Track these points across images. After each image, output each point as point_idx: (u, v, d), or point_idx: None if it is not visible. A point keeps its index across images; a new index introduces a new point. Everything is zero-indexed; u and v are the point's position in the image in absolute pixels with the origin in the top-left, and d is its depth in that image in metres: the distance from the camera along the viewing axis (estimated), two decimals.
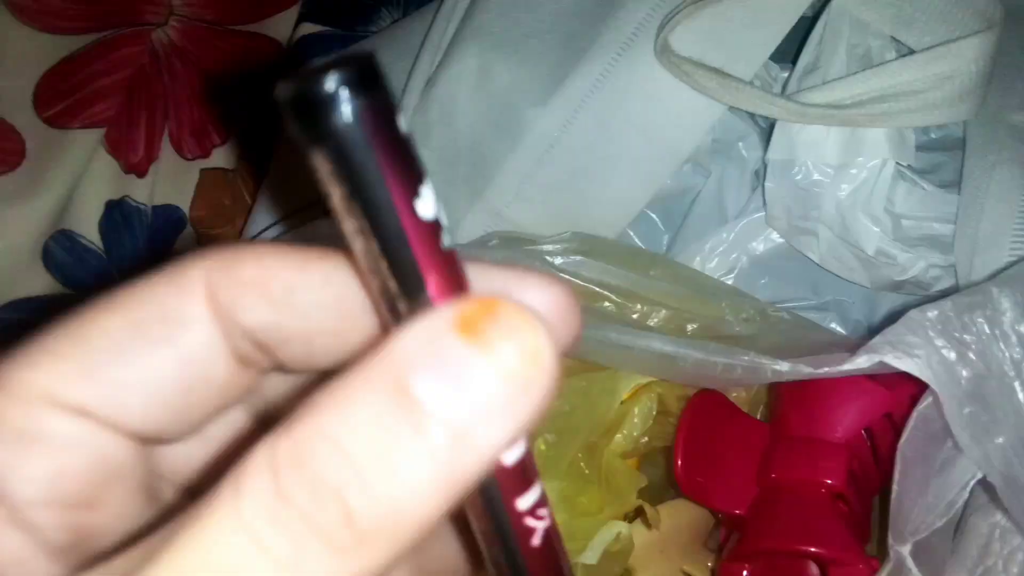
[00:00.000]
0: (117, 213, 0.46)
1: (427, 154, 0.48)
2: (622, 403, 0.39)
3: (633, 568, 0.37)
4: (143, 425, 0.16)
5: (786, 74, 0.46)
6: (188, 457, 0.18)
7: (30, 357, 0.15)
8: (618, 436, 0.38)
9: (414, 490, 0.12)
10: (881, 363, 0.31)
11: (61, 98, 0.43)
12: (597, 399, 0.37)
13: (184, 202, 0.49)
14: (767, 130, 0.46)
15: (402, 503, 0.12)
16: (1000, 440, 0.30)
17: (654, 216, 0.49)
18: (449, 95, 0.47)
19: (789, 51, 0.45)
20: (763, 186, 0.45)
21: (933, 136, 0.46)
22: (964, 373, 0.30)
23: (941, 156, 0.45)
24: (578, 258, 0.44)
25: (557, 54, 0.46)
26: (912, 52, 0.42)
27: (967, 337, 0.31)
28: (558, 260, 0.44)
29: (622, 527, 0.37)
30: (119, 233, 0.46)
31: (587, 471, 0.37)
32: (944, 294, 0.42)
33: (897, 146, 0.41)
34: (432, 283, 0.14)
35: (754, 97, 0.41)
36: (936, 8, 0.42)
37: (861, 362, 0.31)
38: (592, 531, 0.36)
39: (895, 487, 0.32)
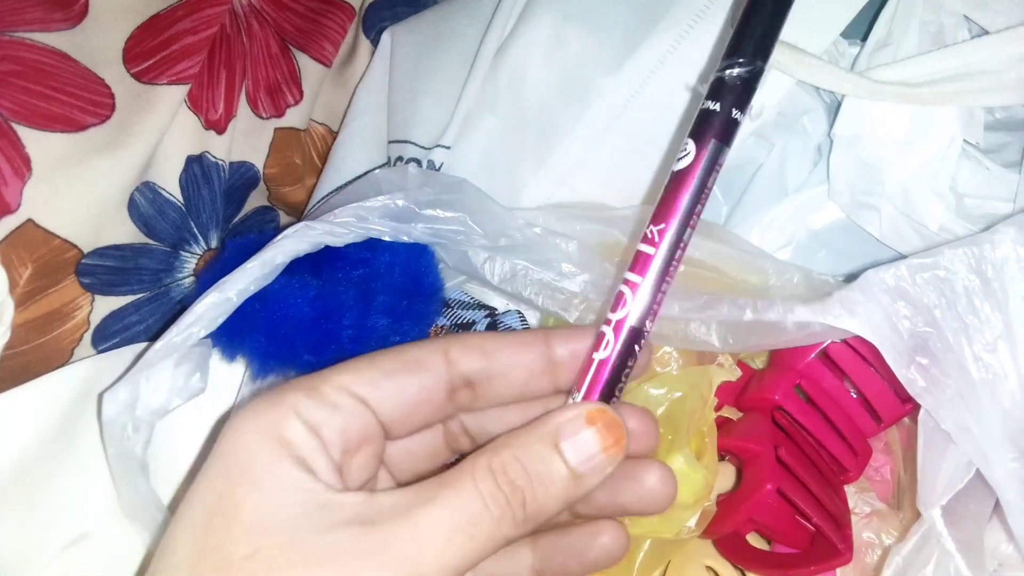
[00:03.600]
0: (196, 168, 0.47)
1: (495, 120, 0.49)
2: None
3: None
4: (389, 417, 0.28)
5: (855, 50, 0.46)
6: (401, 460, 0.31)
7: (342, 366, 0.28)
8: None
9: (553, 497, 0.26)
10: (823, 325, 0.33)
11: (149, 55, 0.45)
12: (700, 386, 0.39)
13: (259, 160, 0.51)
14: (832, 105, 0.47)
15: (547, 501, 0.26)
16: (949, 392, 0.32)
17: (715, 187, 0.50)
18: (520, 62, 0.48)
19: (860, 27, 0.46)
20: (827, 160, 0.45)
21: (998, 116, 0.47)
22: (908, 328, 0.33)
23: (1006, 136, 0.46)
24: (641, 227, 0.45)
25: (629, 24, 0.46)
26: (985, 32, 0.43)
27: (917, 296, 0.33)
28: (622, 227, 0.45)
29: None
30: (198, 187, 0.48)
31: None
32: None
33: (966, 124, 0.42)
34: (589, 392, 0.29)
35: (827, 73, 0.42)
36: None
37: (802, 313, 0.34)
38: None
39: (919, 456, 0.34)
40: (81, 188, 0.42)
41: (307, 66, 0.53)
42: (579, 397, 0.29)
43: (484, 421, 0.32)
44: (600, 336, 0.29)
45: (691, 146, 0.30)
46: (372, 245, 0.40)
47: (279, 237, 0.36)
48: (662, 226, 0.29)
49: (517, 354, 0.29)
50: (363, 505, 0.24)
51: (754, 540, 0.41)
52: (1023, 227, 0.32)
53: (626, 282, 0.29)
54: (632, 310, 0.28)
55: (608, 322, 0.29)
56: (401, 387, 0.28)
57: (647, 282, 0.29)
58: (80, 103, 0.42)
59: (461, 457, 0.31)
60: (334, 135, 0.55)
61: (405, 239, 0.37)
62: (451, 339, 0.29)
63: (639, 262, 0.29)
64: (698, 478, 0.37)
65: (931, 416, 0.32)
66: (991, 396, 0.31)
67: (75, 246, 0.42)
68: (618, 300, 0.29)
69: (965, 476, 0.32)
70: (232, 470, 0.24)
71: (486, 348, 0.29)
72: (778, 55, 0.43)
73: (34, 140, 0.41)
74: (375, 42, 0.55)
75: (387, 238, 0.37)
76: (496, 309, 0.47)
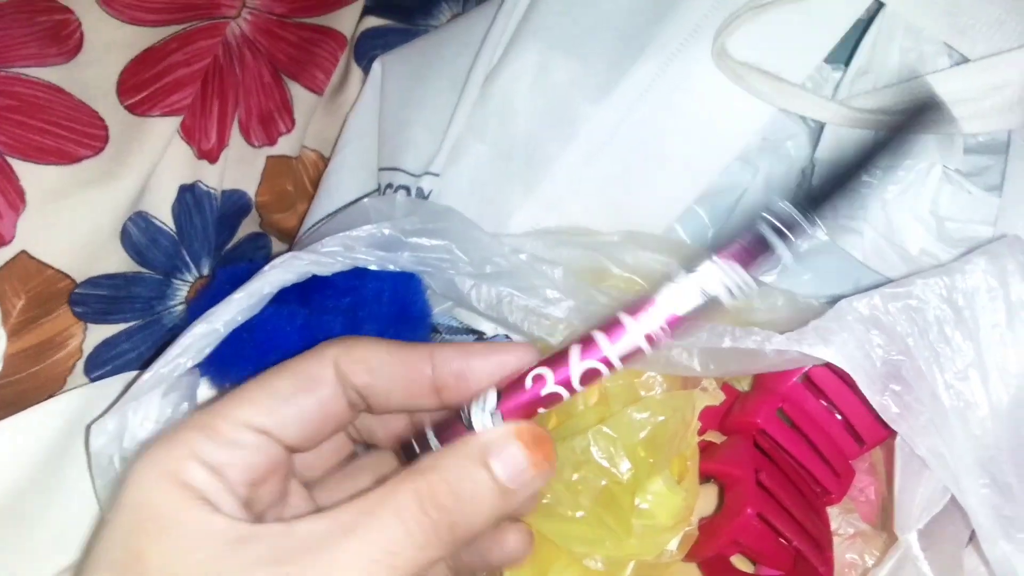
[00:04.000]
0: (189, 197, 0.48)
1: (484, 148, 0.49)
2: None
3: None
4: (294, 440, 0.28)
5: (838, 75, 0.47)
6: (311, 462, 0.31)
7: (237, 398, 0.27)
8: None
9: (483, 515, 0.26)
10: (799, 353, 0.34)
11: (142, 87, 0.46)
12: (683, 410, 0.40)
13: (251, 188, 0.52)
14: (816, 130, 0.48)
15: (477, 519, 0.25)
16: (922, 419, 0.33)
17: (701, 211, 0.50)
18: (508, 90, 0.49)
19: (842, 52, 0.46)
20: (809, 185, 0.46)
21: (980, 140, 0.47)
22: (881, 356, 0.33)
23: (987, 159, 0.46)
24: (627, 253, 0.45)
25: (614, 52, 0.47)
26: (964, 59, 0.43)
27: (890, 324, 0.33)
28: (608, 253, 0.46)
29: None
30: (190, 215, 0.49)
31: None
32: None
33: (946, 149, 0.43)
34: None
35: (808, 102, 0.42)
36: (990, 17, 0.43)
37: (779, 342, 0.34)
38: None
39: (896, 480, 0.35)
40: (74, 219, 0.43)
41: (299, 95, 0.53)
42: (485, 407, 0.28)
43: (373, 423, 0.32)
44: (540, 379, 0.27)
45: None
46: (360, 273, 0.41)
47: (266, 267, 0.36)
48: (654, 324, 0.26)
49: (401, 373, 0.29)
50: (279, 538, 0.24)
51: (739, 562, 0.41)
52: (994, 257, 0.33)
53: (589, 341, 0.27)
54: (579, 370, 0.27)
55: (560, 362, 0.27)
56: (301, 409, 0.27)
57: (610, 352, 0.27)
58: (74, 136, 0.43)
59: (368, 446, 0.33)
60: (326, 161, 0.56)
61: (391, 267, 0.38)
62: (339, 350, 0.28)
63: (614, 331, 0.27)
64: (677, 501, 0.37)
65: (906, 442, 0.33)
66: (962, 423, 0.32)
67: (68, 276, 0.42)
68: (582, 349, 0.27)
69: (941, 500, 0.33)
70: (135, 519, 0.24)
71: (372, 365, 0.28)
72: (760, 85, 0.44)
73: (28, 173, 0.42)
74: (366, 70, 0.56)
75: (374, 266, 0.38)
76: (485, 333, 0.48)
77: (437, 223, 0.39)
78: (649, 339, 0.26)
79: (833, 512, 0.42)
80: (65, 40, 0.44)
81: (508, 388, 0.28)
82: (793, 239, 0.26)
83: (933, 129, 0.26)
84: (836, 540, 0.41)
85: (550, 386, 0.27)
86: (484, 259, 0.39)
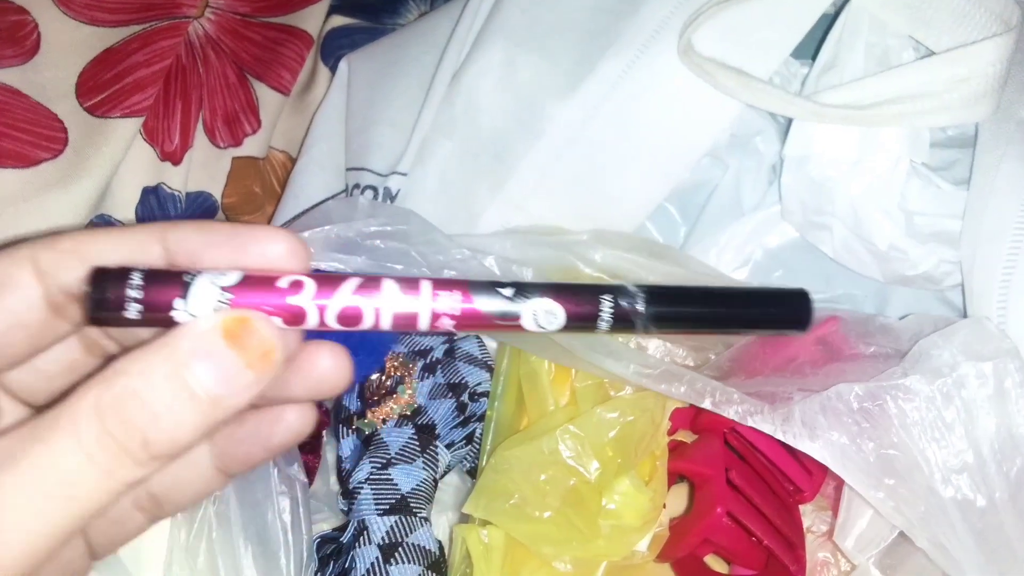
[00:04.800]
0: (152, 199, 0.47)
1: (451, 146, 0.49)
2: None
3: None
4: None
5: (806, 70, 0.47)
6: (32, 384, 0.25)
7: None
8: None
9: (184, 430, 0.21)
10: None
11: (102, 88, 0.45)
12: (652, 410, 0.39)
13: (216, 189, 0.51)
14: (784, 125, 0.47)
15: (179, 433, 0.21)
16: (921, 510, 0.32)
17: (672, 209, 0.50)
18: (474, 89, 0.48)
19: (809, 47, 0.46)
20: (779, 181, 0.46)
21: (949, 134, 0.47)
22: (872, 450, 0.33)
23: (956, 153, 0.46)
24: (596, 252, 0.45)
25: (580, 50, 0.47)
26: (929, 52, 0.43)
27: (877, 417, 0.33)
28: (577, 253, 0.45)
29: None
30: (154, 218, 0.48)
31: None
32: (955, 288, 0.44)
33: (912, 144, 0.42)
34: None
35: (774, 97, 0.42)
36: (954, 9, 0.42)
37: (759, 421, 0.34)
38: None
39: (841, 513, 0.35)
40: (34, 223, 0.42)
41: (265, 95, 0.53)
42: (211, 287, 0.22)
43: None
44: (298, 286, 0.23)
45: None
46: None
47: None
48: (447, 306, 0.24)
49: (122, 258, 0.23)
50: None
51: (713, 562, 0.41)
52: (983, 346, 0.33)
53: (374, 283, 0.23)
54: (343, 302, 0.23)
55: (332, 285, 0.23)
56: None
57: (384, 303, 0.23)
58: (32, 138, 0.43)
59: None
60: (293, 161, 0.55)
61: (341, 268, 0.37)
62: (39, 245, 0.23)
63: (407, 288, 0.23)
64: (644, 500, 0.37)
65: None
66: (962, 515, 0.31)
67: None
68: (360, 284, 0.23)
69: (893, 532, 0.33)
70: None
71: (84, 254, 0.23)
72: (726, 80, 0.43)
73: None
74: (333, 69, 0.55)
75: (325, 268, 0.37)
76: (455, 334, 0.47)
77: (396, 225, 0.39)
78: (434, 315, 0.23)
79: (806, 510, 0.41)
80: (22, 41, 0.43)
81: (254, 280, 0.23)
82: (623, 322, 0.24)
83: (796, 327, 0.25)
84: (809, 538, 0.40)
85: (303, 299, 0.23)
86: (442, 263, 0.39)
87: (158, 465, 0.21)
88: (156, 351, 0.21)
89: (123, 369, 0.21)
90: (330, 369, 0.25)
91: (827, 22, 0.46)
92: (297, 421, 0.26)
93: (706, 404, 0.35)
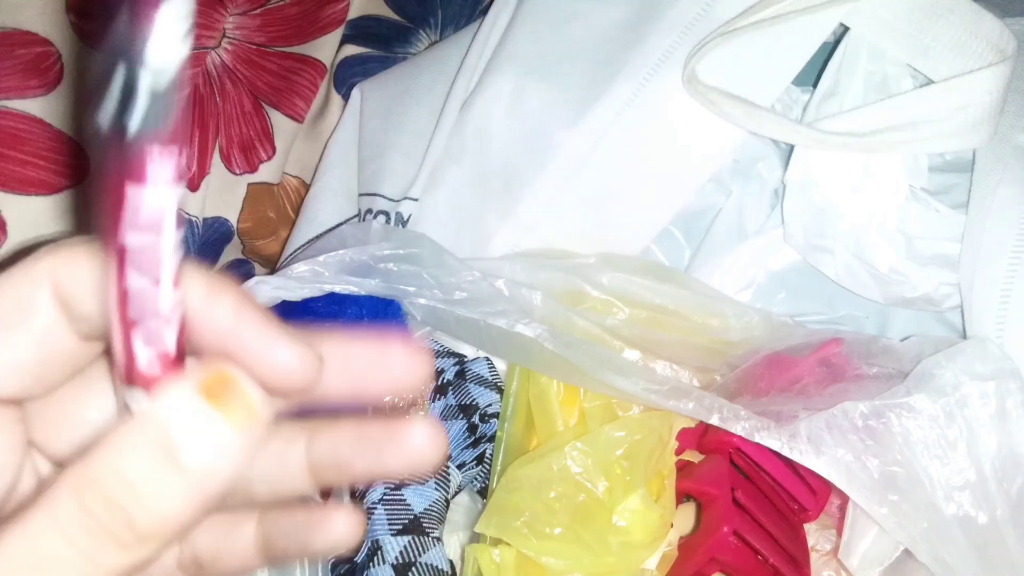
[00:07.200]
0: None
1: (461, 172, 0.50)
2: None
3: None
4: (11, 390, 0.21)
5: (807, 97, 0.48)
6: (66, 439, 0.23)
7: None
8: None
9: (174, 506, 0.18)
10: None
11: None
12: (660, 430, 0.40)
13: (232, 215, 0.52)
14: (786, 151, 0.49)
15: (166, 514, 0.18)
16: (924, 526, 0.33)
17: (677, 232, 0.51)
18: (484, 117, 0.49)
19: (810, 74, 0.47)
20: (781, 205, 0.47)
21: (948, 159, 0.48)
22: (876, 467, 0.34)
23: (955, 177, 0.47)
24: (603, 275, 0.46)
25: (587, 79, 0.48)
26: (927, 80, 0.44)
27: (881, 434, 0.34)
28: (585, 276, 0.46)
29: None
30: None
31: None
32: (954, 310, 0.45)
33: (911, 169, 0.43)
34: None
35: (776, 125, 0.43)
36: (952, 39, 0.44)
37: (768, 439, 0.35)
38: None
39: (846, 532, 0.36)
40: None
41: (280, 122, 0.54)
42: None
43: None
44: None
45: None
46: (339, 299, 0.42)
47: None
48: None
49: None
50: None
51: None
52: (984, 364, 0.34)
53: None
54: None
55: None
56: (8, 349, 0.21)
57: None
58: (55, 166, 0.44)
59: None
60: (307, 187, 0.56)
61: (355, 291, 0.39)
62: (55, 260, 0.20)
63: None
64: (654, 517, 0.37)
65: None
66: (964, 531, 0.32)
67: None
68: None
69: (896, 550, 0.33)
70: None
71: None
72: (730, 109, 0.45)
73: (11, 204, 0.42)
74: (346, 98, 0.56)
75: (340, 291, 0.39)
76: (465, 356, 0.48)
77: (408, 249, 0.40)
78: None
79: (811, 529, 0.42)
80: (45, 72, 0.45)
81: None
82: None
83: None
84: (813, 556, 0.41)
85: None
86: (454, 284, 0.40)
87: (151, 549, 0.19)
88: (135, 420, 0.19)
89: (102, 441, 0.19)
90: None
91: (828, 50, 0.47)
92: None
93: (714, 420, 0.36)
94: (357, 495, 0.43)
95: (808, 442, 0.33)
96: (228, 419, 0.19)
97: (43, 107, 0.44)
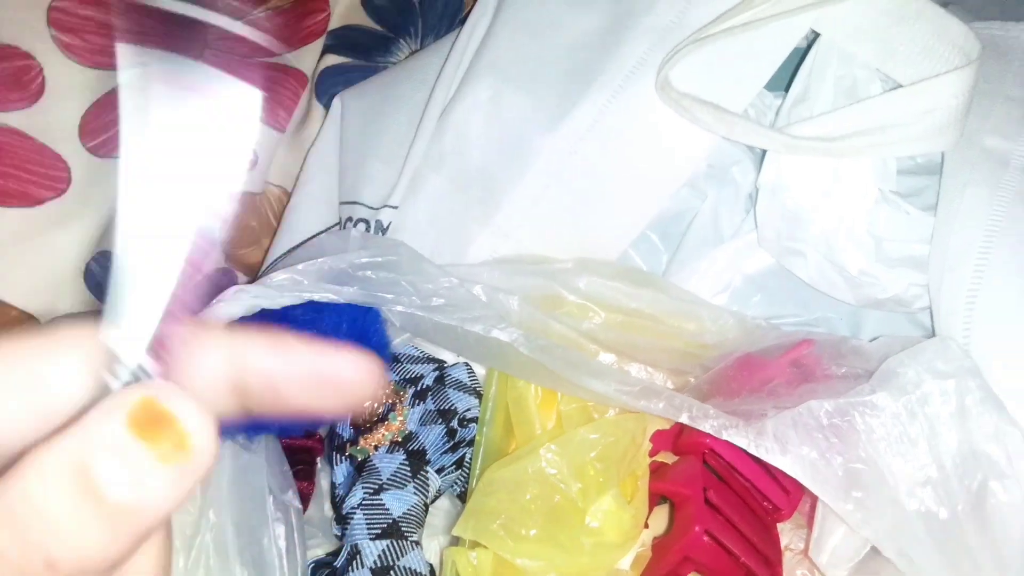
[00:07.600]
0: None
1: (440, 180, 0.51)
2: None
3: None
4: None
5: (779, 101, 0.49)
6: None
7: None
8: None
9: (95, 544, 0.16)
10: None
11: (104, 129, 0.47)
12: (634, 432, 0.41)
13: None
14: (760, 155, 0.49)
15: (88, 552, 0.16)
16: (888, 521, 0.34)
17: (654, 237, 0.52)
18: (463, 124, 0.50)
19: (782, 79, 0.48)
20: (755, 209, 0.47)
21: (918, 161, 0.49)
22: (840, 464, 0.34)
23: (924, 180, 0.48)
24: (580, 279, 0.47)
25: (564, 86, 0.49)
26: (896, 84, 0.45)
27: (845, 432, 0.35)
28: (562, 281, 0.47)
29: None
30: None
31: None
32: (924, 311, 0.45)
33: (880, 173, 0.44)
34: None
35: (748, 130, 0.44)
36: (918, 43, 0.44)
37: (735, 436, 0.35)
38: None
39: (816, 529, 0.36)
40: (37, 260, 0.44)
41: (262, 132, 0.55)
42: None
43: None
44: None
45: None
46: (318, 307, 0.42)
47: (214, 302, 0.37)
48: None
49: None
50: None
51: None
52: (946, 363, 0.34)
53: None
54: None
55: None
56: None
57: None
58: (37, 178, 0.44)
59: None
60: (289, 196, 0.57)
61: (334, 299, 0.39)
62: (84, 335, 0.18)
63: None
64: (626, 518, 0.38)
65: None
66: (926, 526, 0.33)
67: (32, 316, 0.43)
68: None
69: (864, 548, 0.34)
70: None
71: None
72: (703, 115, 0.45)
73: None
74: (327, 107, 0.57)
75: (319, 299, 0.39)
76: (445, 362, 0.49)
77: (386, 256, 0.41)
78: None
79: (783, 528, 0.43)
80: (27, 85, 0.45)
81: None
82: None
83: None
84: (787, 556, 0.42)
85: None
86: (431, 291, 0.40)
87: None
88: (56, 443, 0.16)
89: (19, 468, 0.16)
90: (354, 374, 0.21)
91: (800, 55, 0.48)
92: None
93: (684, 419, 0.36)
94: (337, 500, 0.44)
95: (774, 440, 0.34)
96: (155, 452, 0.16)
97: (25, 120, 0.45)
